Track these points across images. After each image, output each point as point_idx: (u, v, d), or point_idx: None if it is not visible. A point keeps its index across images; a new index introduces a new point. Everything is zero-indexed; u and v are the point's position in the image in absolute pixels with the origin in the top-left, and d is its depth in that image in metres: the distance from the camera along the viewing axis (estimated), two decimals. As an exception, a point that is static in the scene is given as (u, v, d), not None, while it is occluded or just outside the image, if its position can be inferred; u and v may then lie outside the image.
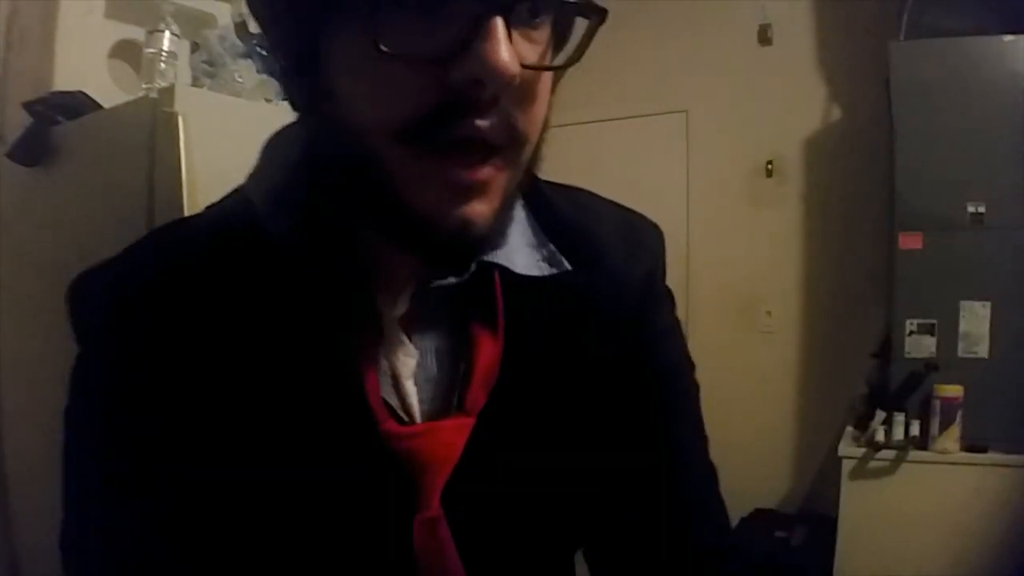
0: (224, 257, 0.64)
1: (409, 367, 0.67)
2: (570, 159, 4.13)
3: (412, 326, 0.68)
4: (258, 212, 0.65)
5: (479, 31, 0.51)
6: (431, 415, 0.68)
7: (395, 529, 0.65)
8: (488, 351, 0.68)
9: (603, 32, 0.57)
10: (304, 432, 0.64)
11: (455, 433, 0.67)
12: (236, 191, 0.70)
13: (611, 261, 0.75)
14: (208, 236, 0.68)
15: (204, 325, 0.63)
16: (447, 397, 0.69)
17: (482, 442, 0.67)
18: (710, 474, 0.81)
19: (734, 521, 3.55)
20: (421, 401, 0.68)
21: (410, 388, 0.67)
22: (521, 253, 0.69)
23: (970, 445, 2.69)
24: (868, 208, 3.44)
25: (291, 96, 0.65)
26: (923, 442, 2.73)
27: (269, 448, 0.63)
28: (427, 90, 0.53)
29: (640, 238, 0.81)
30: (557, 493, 0.71)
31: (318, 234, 0.63)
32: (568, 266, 0.70)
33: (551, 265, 0.70)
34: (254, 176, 0.69)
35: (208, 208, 0.72)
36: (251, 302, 0.63)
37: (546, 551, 0.76)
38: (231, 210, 0.69)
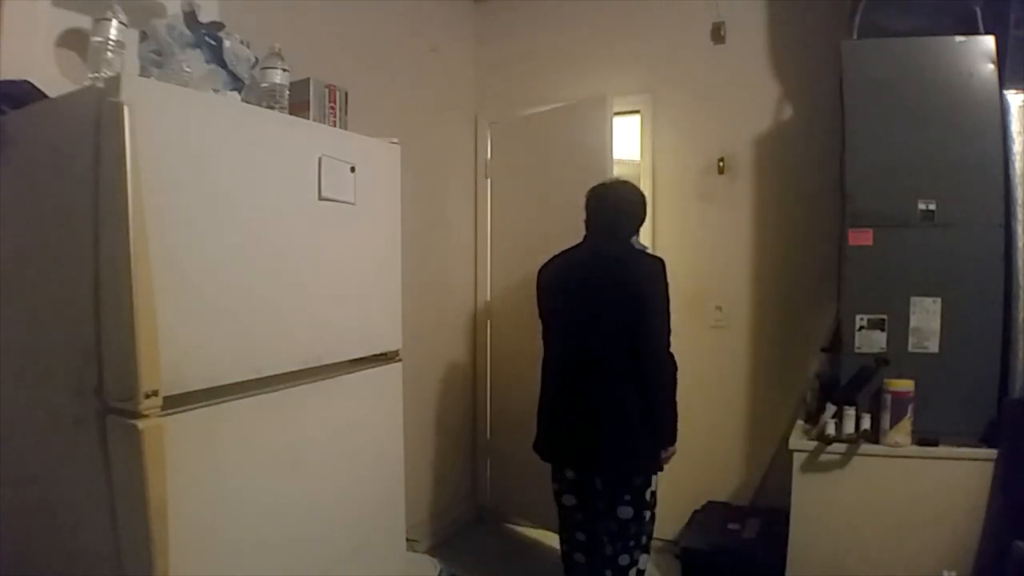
0: None
1: None
2: (528, 149, 4.17)
3: None
4: None
5: None
6: None
7: None
8: None
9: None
10: None
11: None
12: None
13: None
14: None
15: None
16: None
17: None
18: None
19: (686, 514, 3.62)
20: None
21: None
22: None
23: (921, 438, 2.73)
24: (819, 205, 3.49)
25: None
26: (875, 435, 2.78)
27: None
28: None
29: None
30: None
31: None
32: None
33: None
34: None
35: None
36: None
37: None
38: None
